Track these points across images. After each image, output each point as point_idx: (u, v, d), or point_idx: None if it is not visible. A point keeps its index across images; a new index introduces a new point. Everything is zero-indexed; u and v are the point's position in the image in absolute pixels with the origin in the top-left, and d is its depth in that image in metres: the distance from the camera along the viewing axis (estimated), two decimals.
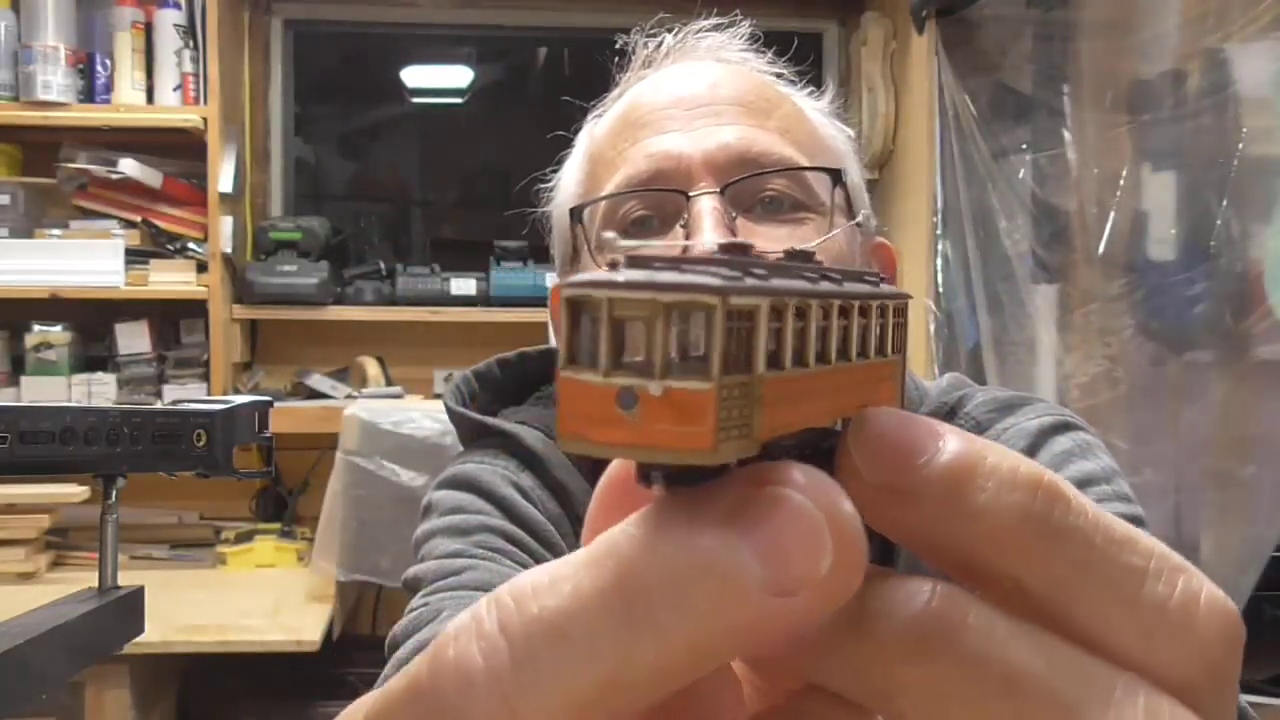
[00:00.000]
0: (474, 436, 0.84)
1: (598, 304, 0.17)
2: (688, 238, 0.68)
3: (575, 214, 0.76)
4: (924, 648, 0.20)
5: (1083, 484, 0.69)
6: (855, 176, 0.78)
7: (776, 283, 0.18)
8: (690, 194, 0.70)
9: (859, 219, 0.77)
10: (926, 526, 0.21)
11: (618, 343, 0.18)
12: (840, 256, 0.72)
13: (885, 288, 0.23)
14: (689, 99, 0.74)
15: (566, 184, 0.82)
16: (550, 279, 2.65)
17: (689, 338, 0.17)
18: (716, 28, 0.81)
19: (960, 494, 0.21)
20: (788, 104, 0.77)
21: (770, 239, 0.69)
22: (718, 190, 0.70)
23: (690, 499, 0.19)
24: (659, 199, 0.72)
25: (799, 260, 0.21)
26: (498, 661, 0.19)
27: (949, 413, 0.79)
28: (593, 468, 0.76)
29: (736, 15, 0.82)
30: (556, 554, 0.76)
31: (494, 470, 0.78)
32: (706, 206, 0.69)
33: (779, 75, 0.80)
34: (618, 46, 0.83)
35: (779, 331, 0.18)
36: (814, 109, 0.80)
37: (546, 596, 0.19)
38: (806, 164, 0.73)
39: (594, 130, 0.81)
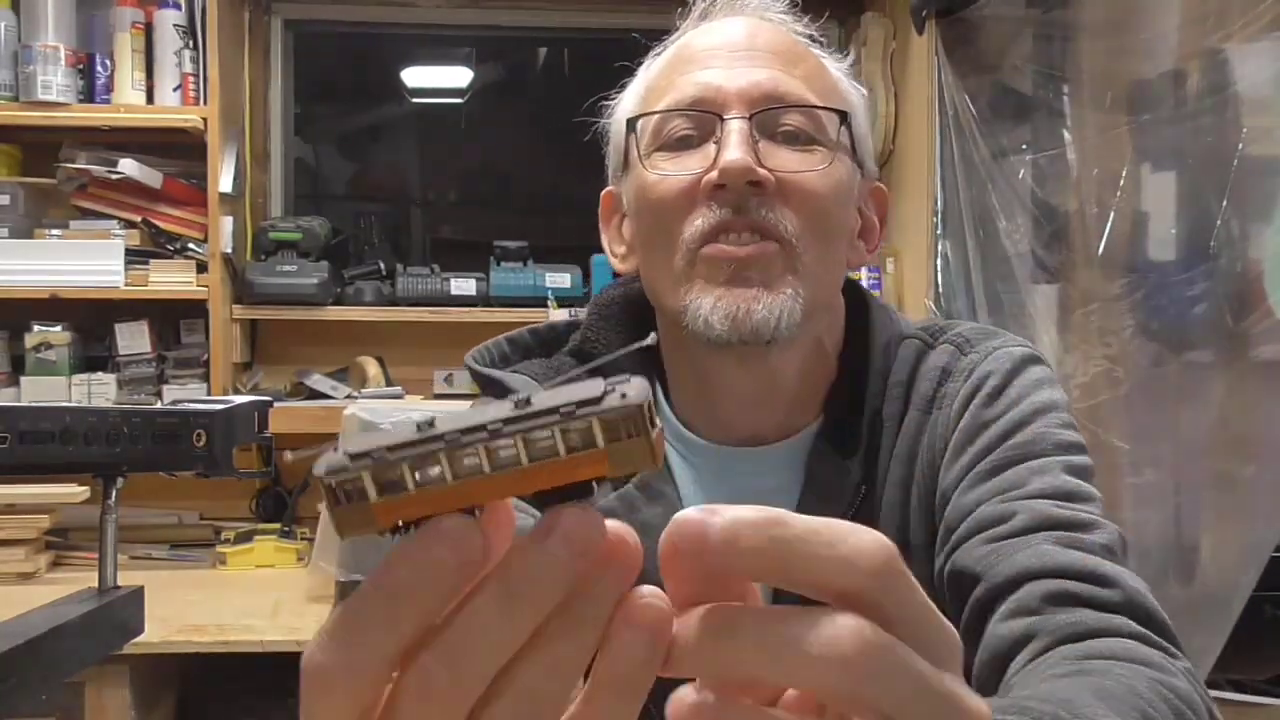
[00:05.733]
0: (480, 390, 0.94)
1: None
2: (718, 152, 0.83)
3: (630, 124, 0.90)
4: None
5: (1050, 408, 0.84)
6: (862, 128, 0.91)
7: (394, 455, 0.32)
8: (724, 117, 0.84)
9: (862, 162, 0.91)
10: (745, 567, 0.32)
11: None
12: (841, 187, 0.87)
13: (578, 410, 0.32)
14: (731, 44, 0.88)
15: (624, 104, 0.95)
16: (550, 278, 2.67)
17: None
18: None
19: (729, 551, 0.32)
20: (813, 60, 0.91)
21: (786, 161, 0.84)
22: (746, 117, 0.84)
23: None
24: (699, 120, 0.86)
25: (524, 402, 0.32)
26: (333, 653, 0.31)
27: (939, 330, 0.92)
28: None
29: None
30: None
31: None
32: (735, 127, 0.83)
33: (811, 37, 0.93)
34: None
35: (397, 472, 0.32)
36: (835, 68, 0.93)
37: (348, 607, 0.31)
38: (821, 104, 0.87)
39: (651, 64, 0.95)
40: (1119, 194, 2.05)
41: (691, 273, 0.83)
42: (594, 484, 0.33)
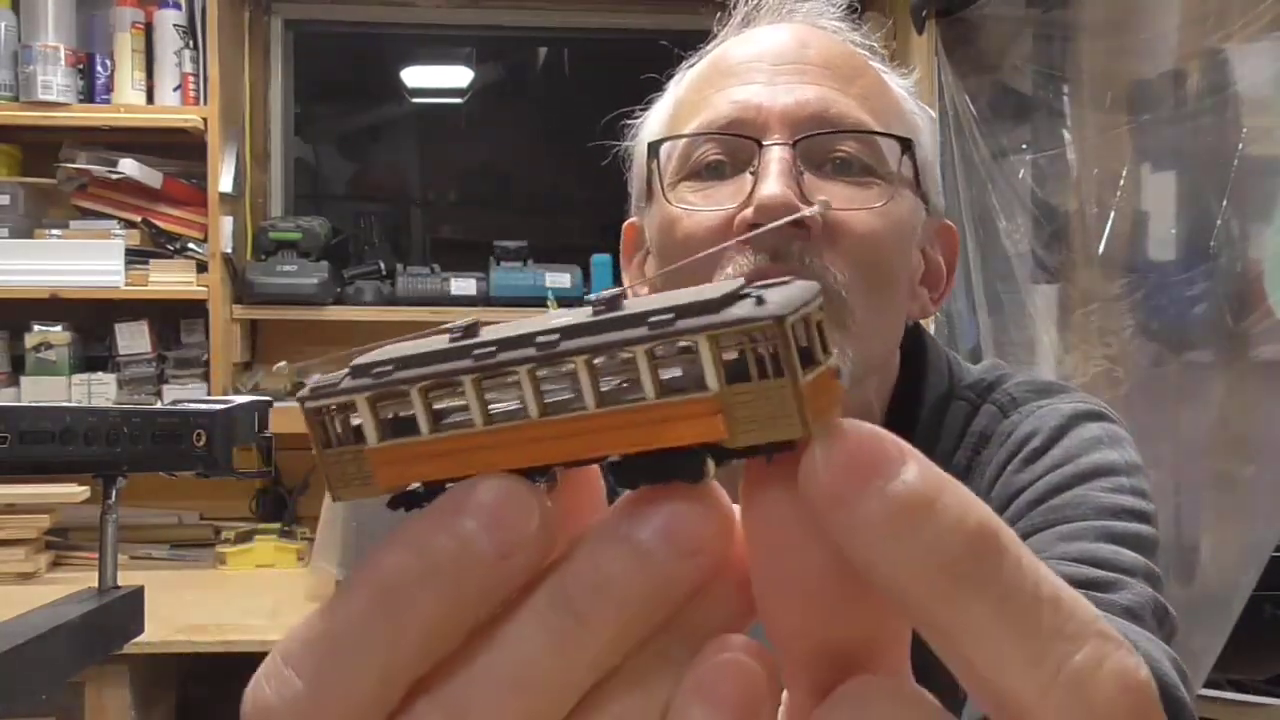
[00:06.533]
0: None
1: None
2: (755, 184, 0.71)
3: (653, 149, 0.78)
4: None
5: (1103, 472, 0.70)
6: (929, 155, 0.79)
7: (401, 374, 0.22)
8: (764, 143, 0.72)
9: (927, 195, 0.78)
10: (857, 545, 0.20)
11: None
12: (901, 227, 0.74)
13: (685, 322, 0.20)
14: (776, 54, 0.76)
15: (651, 123, 0.83)
16: (550, 278, 2.67)
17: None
18: None
19: (906, 524, 0.20)
20: (871, 74, 0.79)
21: (836, 197, 0.72)
22: (789, 143, 0.71)
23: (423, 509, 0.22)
24: (733, 145, 0.74)
25: (604, 306, 0.21)
26: (289, 692, 0.21)
27: (987, 388, 0.80)
28: None
29: None
30: None
31: None
32: (775, 155, 0.71)
33: (871, 49, 0.81)
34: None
35: (407, 404, 0.22)
36: (898, 85, 0.81)
37: (318, 620, 0.22)
38: (879, 130, 0.75)
39: (683, 77, 0.83)
40: (1119, 194, 2.05)
41: None
42: (705, 459, 0.20)
